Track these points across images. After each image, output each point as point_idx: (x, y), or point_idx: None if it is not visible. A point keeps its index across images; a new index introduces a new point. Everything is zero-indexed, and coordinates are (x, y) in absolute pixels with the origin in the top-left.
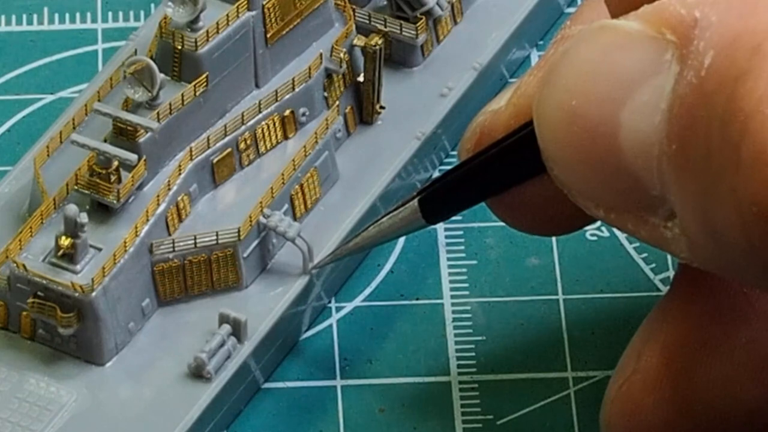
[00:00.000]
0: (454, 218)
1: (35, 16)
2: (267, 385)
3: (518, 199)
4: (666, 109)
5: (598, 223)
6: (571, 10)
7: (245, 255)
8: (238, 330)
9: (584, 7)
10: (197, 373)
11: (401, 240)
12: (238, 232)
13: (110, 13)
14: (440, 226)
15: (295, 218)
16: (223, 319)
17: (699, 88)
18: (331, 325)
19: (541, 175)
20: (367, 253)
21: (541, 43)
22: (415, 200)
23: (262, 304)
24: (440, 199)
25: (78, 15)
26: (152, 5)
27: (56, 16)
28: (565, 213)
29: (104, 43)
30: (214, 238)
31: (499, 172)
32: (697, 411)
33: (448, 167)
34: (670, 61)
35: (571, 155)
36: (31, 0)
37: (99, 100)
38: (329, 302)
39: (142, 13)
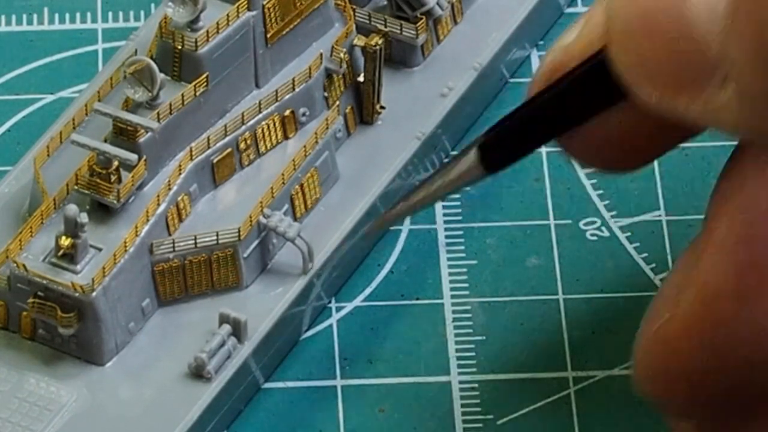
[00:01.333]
0: (454, 218)
1: (35, 16)
2: (267, 385)
3: (591, 133)
4: None
5: (599, 222)
6: (571, 10)
7: (245, 255)
8: (238, 330)
9: None
10: (197, 373)
11: (401, 240)
12: (239, 232)
13: (110, 13)
14: (440, 226)
15: (295, 218)
16: (223, 319)
17: None
18: (331, 325)
19: (616, 106)
20: (366, 253)
21: (541, 43)
22: (474, 149)
23: (262, 304)
24: (507, 142)
25: (78, 15)
26: (152, 5)
27: (56, 16)
28: (640, 144)
29: (104, 43)
30: (215, 238)
31: (571, 106)
32: (736, 361)
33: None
34: None
35: (637, 26)
36: (31, 0)
37: (99, 100)
38: (329, 302)
39: (142, 13)
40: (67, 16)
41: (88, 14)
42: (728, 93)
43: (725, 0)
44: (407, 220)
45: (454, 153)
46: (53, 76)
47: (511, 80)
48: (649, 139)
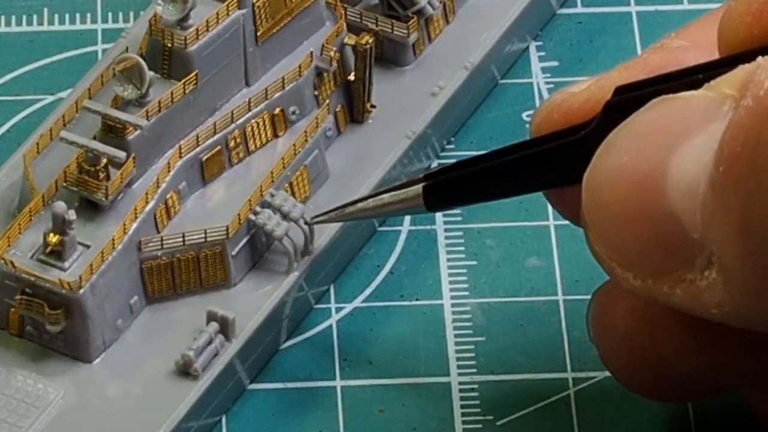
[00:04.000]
0: (454, 218)
1: (35, 17)
2: (265, 385)
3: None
4: (718, 146)
5: None
6: (563, 11)
7: (234, 253)
8: (226, 328)
9: (696, 24)
10: (185, 371)
11: (401, 240)
12: (227, 230)
13: (110, 14)
14: (440, 227)
15: (284, 217)
16: (211, 317)
17: (756, 106)
18: (331, 326)
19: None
20: (357, 252)
21: (533, 42)
22: (420, 186)
23: (251, 302)
24: (448, 192)
25: (78, 16)
26: None
27: (56, 16)
28: None
29: (104, 43)
30: (203, 235)
31: (524, 176)
32: (656, 341)
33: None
34: (727, 111)
35: (616, 214)
36: (31, 1)
37: (90, 98)
38: (318, 301)
39: (142, 14)
40: (67, 16)
41: (88, 15)
42: (713, 276)
43: (705, 183)
44: (407, 221)
45: (408, 178)
46: (53, 76)
47: (502, 80)
48: None
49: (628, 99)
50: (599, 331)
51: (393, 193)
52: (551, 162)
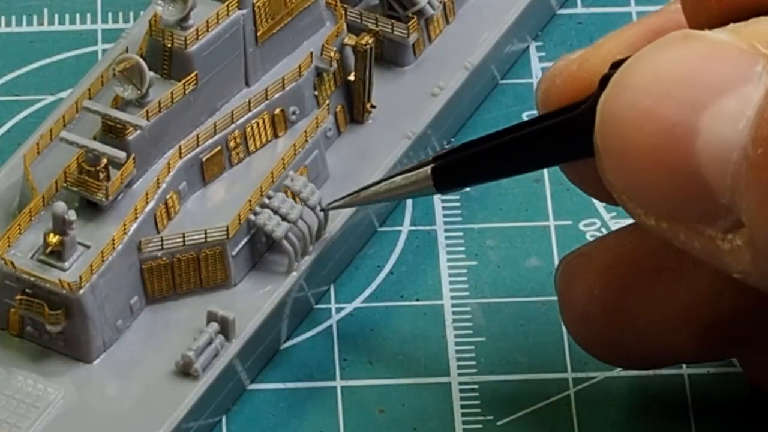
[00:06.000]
0: (454, 218)
1: (35, 17)
2: (265, 385)
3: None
4: (753, 115)
5: (599, 223)
6: (563, 11)
7: (234, 253)
8: (226, 328)
9: None
10: (185, 371)
11: (401, 240)
12: (227, 230)
13: (110, 14)
14: (440, 227)
15: (283, 218)
16: (211, 317)
17: None
18: (331, 326)
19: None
20: (357, 252)
21: (533, 42)
22: (428, 168)
23: (251, 303)
24: (457, 172)
25: (78, 16)
26: None
27: (56, 17)
28: None
29: (104, 44)
30: (203, 236)
31: (534, 152)
32: (612, 325)
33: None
34: (761, 72)
35: (637, 156)
36: (32, 1)
37: (90, 98)
38: (318, 301)
39: (142, 14)
40: (67, 17)
41: (88, 15)
42: (738, 242)
43: (739, 153)
44: (407, 221)
45: (419, 160)
46: (53, 77)
47: (502, 81)
48: None
49: None
50: (561, 302)
51: (404, 175)
52: (554, 137)
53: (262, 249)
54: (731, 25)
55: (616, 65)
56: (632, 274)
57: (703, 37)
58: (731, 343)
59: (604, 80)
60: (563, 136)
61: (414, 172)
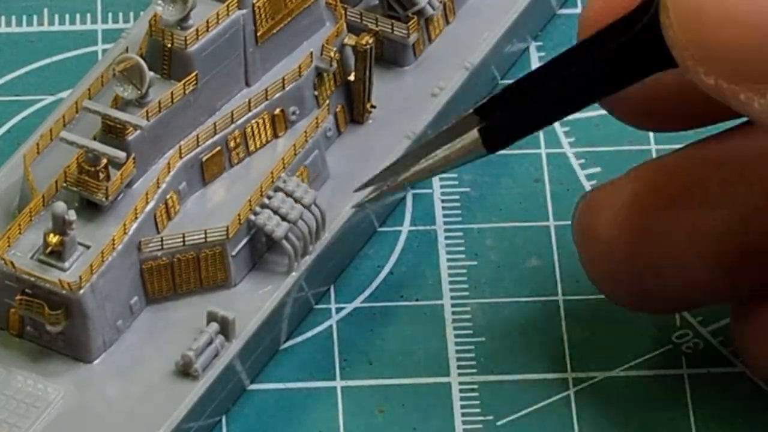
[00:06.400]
0: (454, 218)
1: (35, 17)
2: (265, 385)
3: (640, 95)
4: None
5: None
6: (563, 11)
7: (234, 253)
8: (226, 328)
9: None
10: (185, 371)
11: (401, 240)
12: (227, 230)
13: (110, 14)
14: (440, 227)
15: (283, 218)
16: (211, 317)
17: None
18: (331, 326)
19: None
20: (357, 252)
21: (533, 42)
22: (475, 130)
23: (251, 303)
24: (514, 126)
25: (78, 16)
26: None
27: (56, 17)
28: (696, 112)
29: (104, 44)
30: (203, 236)
31: (600, 76)
32: (637, 250)
33: None
34: None
35: (713, 10)
36: (31, 1)
37: (90, 98)
38: (318, 301)
39: (142, 14)
40: (67, 17)
41: (88, 15)
42: None
43: None
44: (407, 221)
45: (454, 121)
46: (53, 77)
47: (503, 80)
48: (706, 106)
49: None
50: (582, 237)
51: (445, 147)
52: (614, 65)
53: (262, 249)
54: None
55: None
56: (658, 200)
57: None
58: (755, 279)
59: None
60: (631, 56)
61: (458, 141)
